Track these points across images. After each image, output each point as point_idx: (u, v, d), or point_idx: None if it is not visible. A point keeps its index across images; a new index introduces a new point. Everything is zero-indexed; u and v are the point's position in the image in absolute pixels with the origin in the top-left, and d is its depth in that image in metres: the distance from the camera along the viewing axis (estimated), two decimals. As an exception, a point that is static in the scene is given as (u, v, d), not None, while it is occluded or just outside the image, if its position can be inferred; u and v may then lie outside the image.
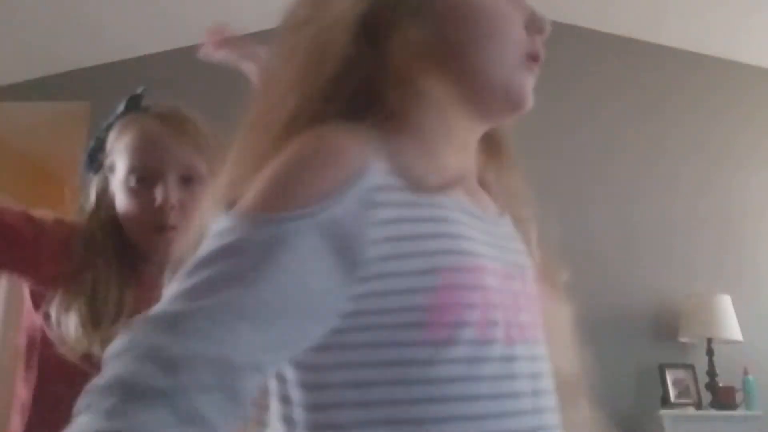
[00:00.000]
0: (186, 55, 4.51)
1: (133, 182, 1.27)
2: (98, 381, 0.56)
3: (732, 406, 3.69)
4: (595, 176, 4.28)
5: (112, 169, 1.31)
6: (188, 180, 1.28)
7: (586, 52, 4.45)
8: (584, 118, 4.38)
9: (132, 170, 1.27)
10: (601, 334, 3.99)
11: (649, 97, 4.40)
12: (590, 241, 4.13)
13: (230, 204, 0.67)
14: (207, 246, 0.64)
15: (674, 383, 3.86)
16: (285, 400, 0.69)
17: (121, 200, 1.28)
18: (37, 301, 1.26)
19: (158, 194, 1.25)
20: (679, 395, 3.83)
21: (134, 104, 1.35)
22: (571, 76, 4.38)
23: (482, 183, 0.85)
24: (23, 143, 5.12)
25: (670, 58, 4.43)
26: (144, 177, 1.27)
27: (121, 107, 1.35)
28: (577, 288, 3.61)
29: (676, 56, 4.42)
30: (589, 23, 4.42)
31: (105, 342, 0.91)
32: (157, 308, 0.60)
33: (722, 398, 3.71)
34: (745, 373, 3.75)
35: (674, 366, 3.92)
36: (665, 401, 3.80)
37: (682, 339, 3.93)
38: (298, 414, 0.67)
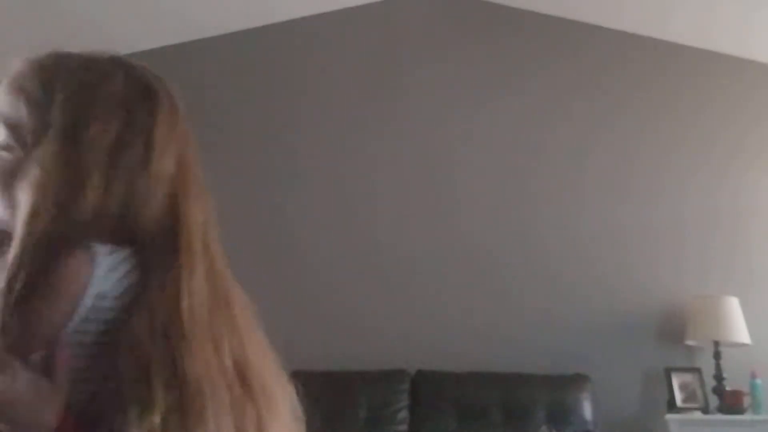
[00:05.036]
0: (180, 51, 4.47)
1: None
2: None
3: (739, 410, 3.62)
4: (608, 178, 4.18)
5: None
6: None
7: (599, 51, 4.32)
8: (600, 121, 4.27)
9: None
10: (607, 337, 3.91)
11: (660, 95, 4.25)
12: (595, 243, 4.05)
13: None
14: None
15: (681, 387, 3.79)
16: None
17: None
18: None
19: None
20: (685, 399, 3.76)
21: None
22: (583, 77, 4.28)
23: None
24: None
25: (678, 56, 4.29)
26: None
27: None
28: (581, 290, 3.50)
29: (685, 53, 4.29)
30: (599, 21, 4.30)
31: None
32: None
33: (729, 402, 3.64)
34: (753, 376, 3.67)
35: (681, 370, 3.85)
36: (671, 405, 3.73)
37: (689, 342, 3.86)
38: None
